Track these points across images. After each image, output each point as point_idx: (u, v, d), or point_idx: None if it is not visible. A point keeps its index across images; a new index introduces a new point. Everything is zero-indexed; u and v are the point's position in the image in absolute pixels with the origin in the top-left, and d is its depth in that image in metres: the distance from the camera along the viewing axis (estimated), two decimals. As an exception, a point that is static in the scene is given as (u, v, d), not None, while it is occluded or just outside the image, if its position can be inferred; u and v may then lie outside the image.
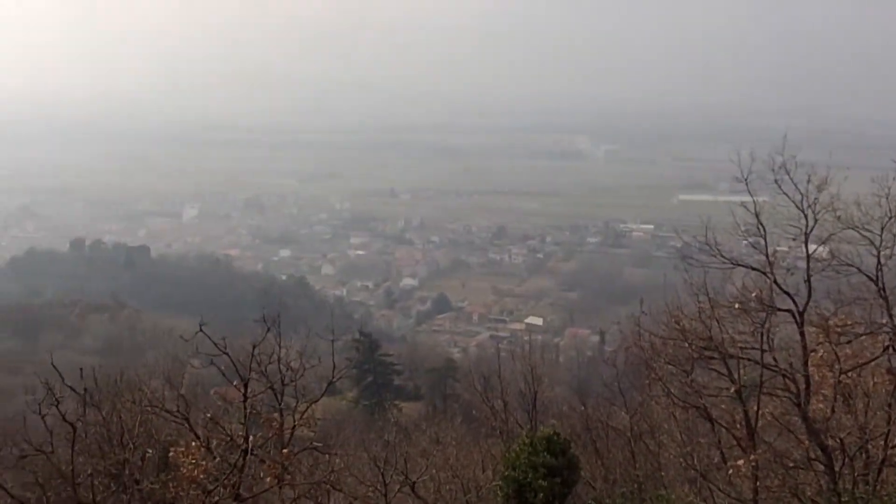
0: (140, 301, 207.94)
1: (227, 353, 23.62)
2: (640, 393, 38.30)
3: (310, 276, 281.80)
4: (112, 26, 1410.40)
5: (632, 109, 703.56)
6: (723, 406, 28.49)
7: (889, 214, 25.74)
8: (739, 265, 27.61)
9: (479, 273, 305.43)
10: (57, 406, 21.96)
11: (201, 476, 22.57)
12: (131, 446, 24.71)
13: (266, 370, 24.95)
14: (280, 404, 25.68)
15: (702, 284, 27.65)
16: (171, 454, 23.73)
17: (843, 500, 24.12)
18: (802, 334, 26.61)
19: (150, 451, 25.79)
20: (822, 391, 26.22)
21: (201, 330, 23.39)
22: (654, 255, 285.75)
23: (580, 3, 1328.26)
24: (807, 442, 25.76)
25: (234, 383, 24.06)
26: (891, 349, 25.92)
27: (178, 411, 25.25)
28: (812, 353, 26.23)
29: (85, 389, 23.30)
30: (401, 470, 32.72)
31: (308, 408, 26.25)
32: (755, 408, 26.90)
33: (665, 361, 29.23)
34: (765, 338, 26.48)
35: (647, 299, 35.31)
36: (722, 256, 27.41)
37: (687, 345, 27.51)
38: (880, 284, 26.04)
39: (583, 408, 44.50)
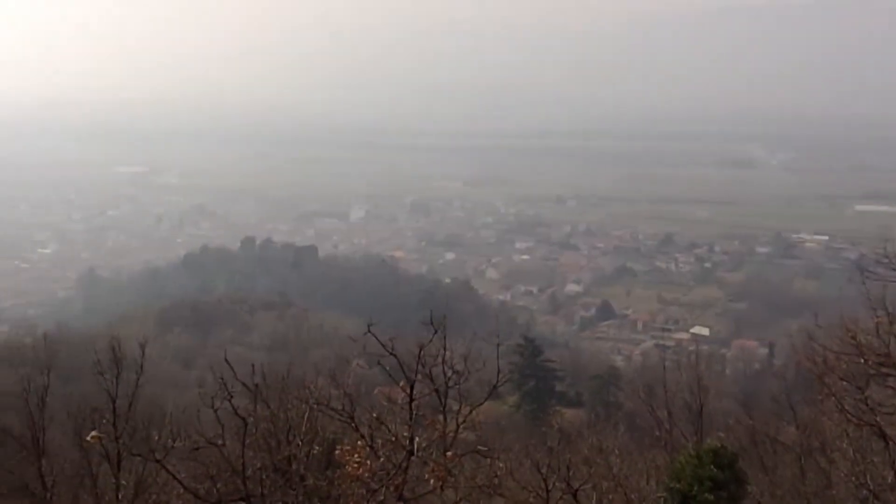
0: (307, 300, 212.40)
1: (394, 354, 23.66)
2: (810, 408, 37.05)
3: (474, 280, 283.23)
4: (284, 30, 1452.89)
5: (810, 118, 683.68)
6: (898, 425, 27.24)
7: None
8: (922, 279, 26.21)
9: (645, 281, 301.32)
10: (230, 401, 22.39)
11: (366, 475, 22.65)
12: (298, 442, 25.01)
13: (431, 372, 24.85)
14: (444, 407, 25.55)
15: (880, 298, 26.37)
16: (336, 452, 23.90)
17: None
18: None
19: (317, 448, 26.02)
20: None
21: (369, 331, 23.51)
22: (828, 267, 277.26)
23: (749, 10, 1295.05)
24: None
25: (401, 384, 24.09)
26: None
27: (343, 409, 25.40)
28: None
29: (256, 385, 23.69)
30: (563, 477, 32.20)
31: (471, 411, 26.03)
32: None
33: (839, 377, 28.06)
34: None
35: (819, 312, 34.03)
36: (902, 269, 26.06)
37: (862, 360, 26.34)
38: None
39: (750, 421, 43.32)
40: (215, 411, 22.66)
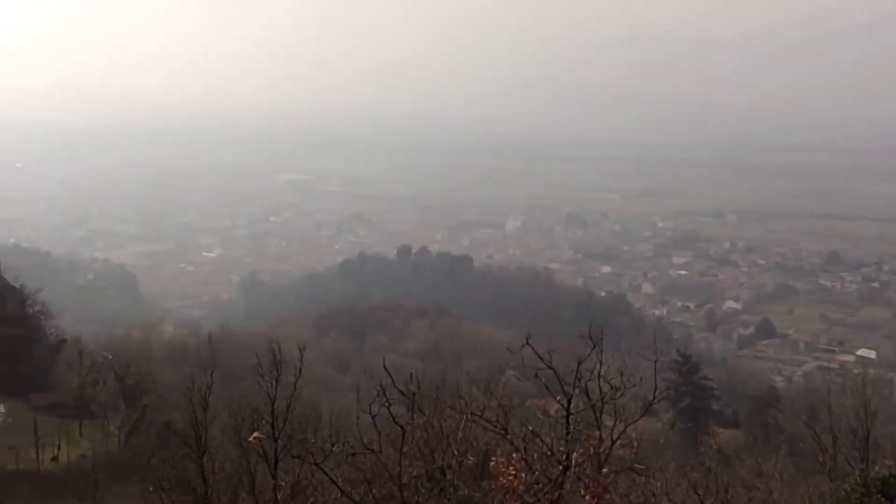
0: (461, 309, 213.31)
1: (551, 368, 23.35)
2: None
3: (629, 294, 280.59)
4: (446, 40, 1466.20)
5: None
6: None
7: None
8: None
9: (808, 300, 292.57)
10: (388, 408, 22.47)
11: (521, 488, 22.36)
12: (453, 452, 24.91)
13: (586, 386, 24.44)
14: (598, 422, 25.08)
15: None
16: (491, 463, 23.71)
17: None
18: None
19: (471, 458, 25.87)
20: None
21: (527, 343, 23.24)
22: None
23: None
24: None
25: (558, 398, 23.74)
26: None
27: (497, 421, 25.20)
28: None
29: (414, 393, 23.71)
30: (720, 499, 31.39)
31: (626, 427, 25.48)
32: None
33: None
34: None
35: None
36: None
37: None
38: None
39: (922, 449, 41.29)
40: (373, 418, 22.77)
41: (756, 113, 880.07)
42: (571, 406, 23.67)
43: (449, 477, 24.45)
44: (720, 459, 38.12)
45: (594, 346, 23.57)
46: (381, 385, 22.52)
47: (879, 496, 25.69)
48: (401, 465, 22.59)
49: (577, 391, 23.94)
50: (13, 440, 77.63)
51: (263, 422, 29.40)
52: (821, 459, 40.05)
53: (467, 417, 26.11)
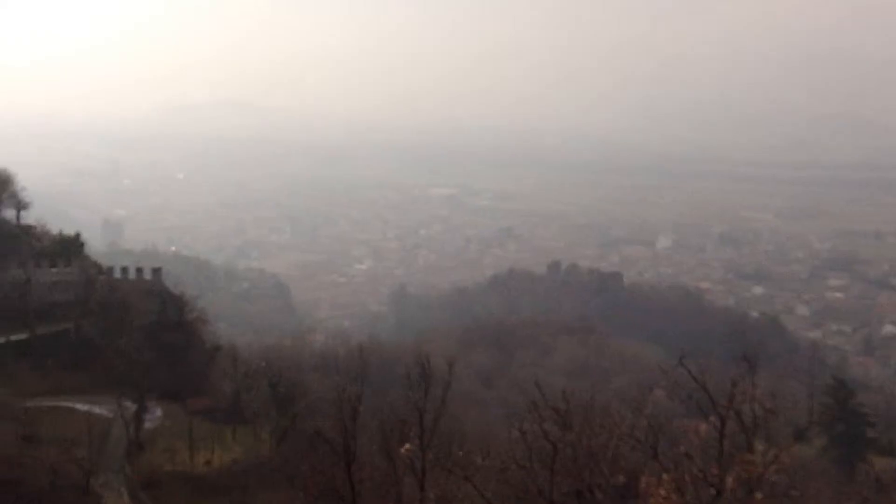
0: (609, 326, 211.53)
1: (705, 389, 22.90)
2: None
3: (783, 316, 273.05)
4: (595, 58, 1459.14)
5: None
6: None
7: None
8: None
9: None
10: (540, 424, 22.37)
11: (672, 510, 21.93)
12: (603, 470, 24.64)
13: (738, 409, 23.88)
14: (750, 445, 24.45)
15: None
16: (642, 484, 23.34)
17: None
18: None
19: (621, 477, 25.55)
20: None
21: (681, 363, 22.87)
22: None
23: None
24: None
25: (710, 419, 23.25)
26: None
27: (646, 440, 24.84)
28: None
29: (565, 410, 23.55)
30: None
31: (779, 452, 24.73)
32: None
33: None
34: None
35: None
36: None
37: None
38: None
39: None
40: (523, 434, 22.72)
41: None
42: (724, 429, 23.16)
43: (598, 495, 24.21)
44: (877, 488, 36.66)
45: (749, 369, 23.02)
46: (533, 402, 22.45)
47: None
48: (552, 481, 22.44)
49: (730, 413, 23.42)
50: (169, 443, 79.94)
51: (412, 433, 29.64)
52: None
53: (617, 436, 25.82)
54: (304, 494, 35.90)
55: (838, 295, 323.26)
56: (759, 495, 22.97)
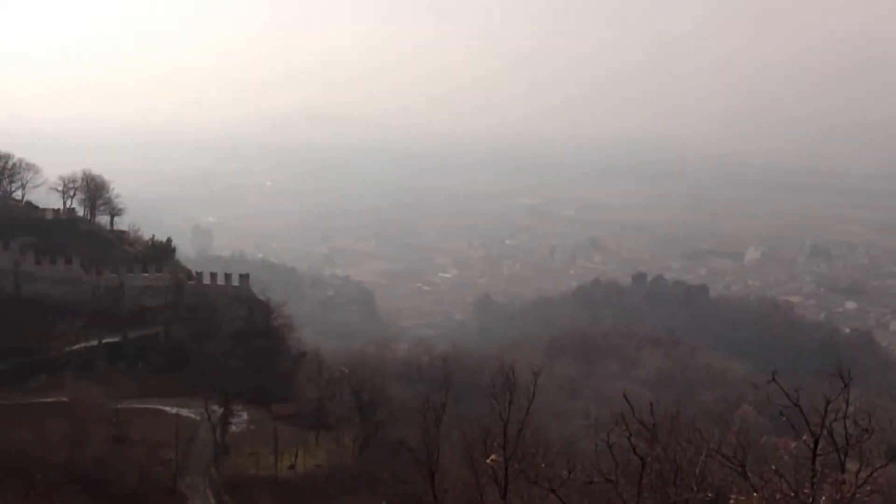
0: (695, 339, 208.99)
1: (798, 406, 22.30)
2: None
3: (876, 331, 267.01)
4: (680, 69, 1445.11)
5: None
6: None
7: None
8: None
9: None
10: (629, 438, 22.00)
11: (761, 529, 21.37)
12: (692, 486, 24.14)
13: (830, 427, 23.20)
14: (843, 465, 23.72)
15: None
16: (731, 502, 22.80)
17: None
18: None
19: (709, 493, 25.00)
20: None
21: (773, 379, 22.31)
22: None
23: None
24: None
25: (804, 437, 22.63)
26: None
27: (735, 457, 24.29)
28: None
29: (654, 425, 23.16)
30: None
31: (872, 474, 23.95)
32: None
33: None
34: None
35: None
36: None
37: None
38: None
39: None
40: (610, 447, 22.37)
41: None
42: (816, 447, 22.53)
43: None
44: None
45: (844, 386, 22.35)
46: (621, 413, 22.09)
47: None
48: (638, 497, 22.06)
49: (823, 431, 22.79)
50: (254, 447, 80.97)
51: (495, 444, 29.43)
52: None
53: (706, 452, 25.27)
54: (387, 502, 35.88)
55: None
56: (851, 517, 22.28)
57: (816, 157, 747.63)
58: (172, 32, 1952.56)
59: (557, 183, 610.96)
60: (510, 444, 29.24)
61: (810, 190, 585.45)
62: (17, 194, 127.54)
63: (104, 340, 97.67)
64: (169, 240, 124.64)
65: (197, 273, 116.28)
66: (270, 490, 74.69)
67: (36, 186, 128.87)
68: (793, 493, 21.74)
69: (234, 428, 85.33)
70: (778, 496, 22.00)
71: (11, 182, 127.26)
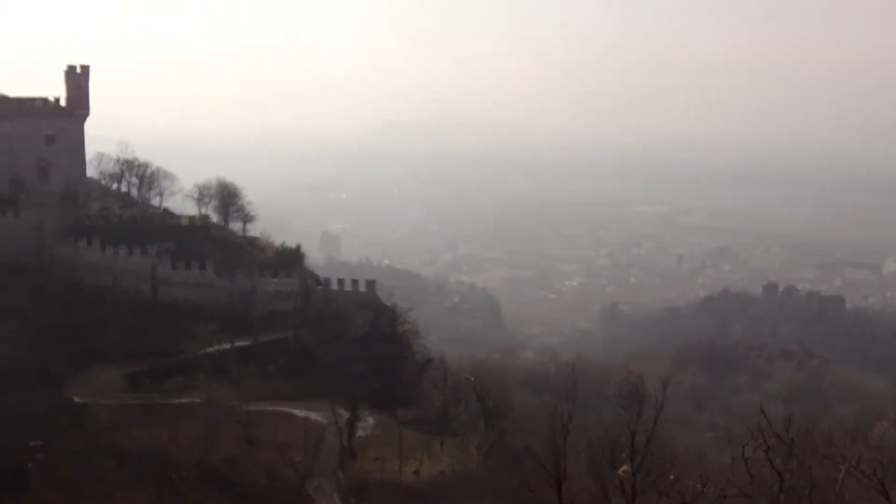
0: (830, 352, 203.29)
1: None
2: None
3: None
4: (811, 72, 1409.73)
5: None
6: None
7: None
8: None
9: None
10: (766, 452, 21.40)
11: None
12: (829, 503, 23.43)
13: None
14: None
15: None
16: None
17: None
18: None
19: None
20: None
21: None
22: None
23: None
24: None
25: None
26: None
27: (874, 474, 23.43)
28: None
29: (792, 440, 22.50)
30: None
31: None
32: None
33: None
34: None
35: None
36: None
37: None
38: None
39: None
40: (745, 461, 21.80)
41: None
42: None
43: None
44: None
45: None
46: (758, 427, 21.51)
47: None
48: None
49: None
50: (379, 451, 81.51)
51: (622, 454, 29.04)
52: None
53: (844, 468, 24.45)
54: (512, 510, 35.74)
55: None
56: None
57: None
58: (308, 50, 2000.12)
59: (681, 190, 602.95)
60: (638, 455, 28.78)
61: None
62: (156, 201, 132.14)
63: (236, 344, 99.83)
64: (298, 246, 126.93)
65: (325, 279, 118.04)
66: (396, 494, 75.09)
67: (173, 194, 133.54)
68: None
69: (360, 432, 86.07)
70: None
71: (150, 190, 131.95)
